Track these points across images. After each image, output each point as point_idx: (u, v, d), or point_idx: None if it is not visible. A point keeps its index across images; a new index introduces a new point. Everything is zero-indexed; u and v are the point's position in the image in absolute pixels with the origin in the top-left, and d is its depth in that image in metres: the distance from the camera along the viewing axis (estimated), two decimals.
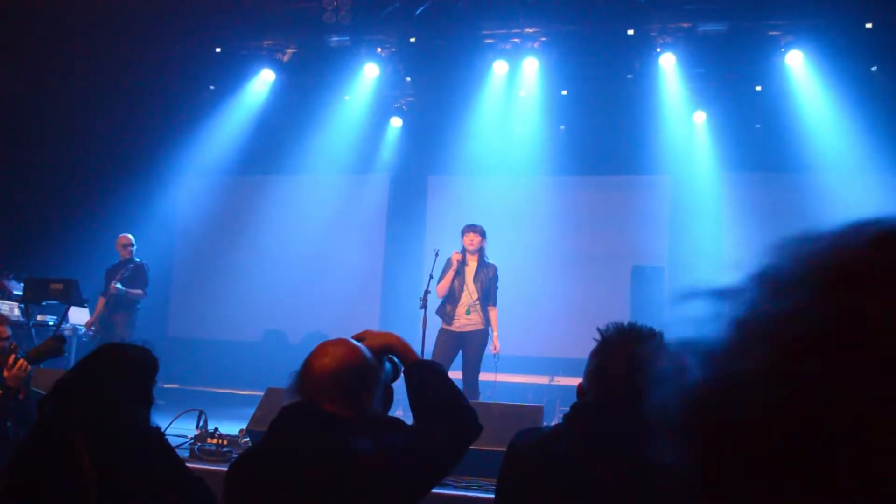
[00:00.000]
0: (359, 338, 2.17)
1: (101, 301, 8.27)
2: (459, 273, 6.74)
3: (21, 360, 3.70)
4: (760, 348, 0.48)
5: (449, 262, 6.72)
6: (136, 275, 8.26)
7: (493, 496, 3.84)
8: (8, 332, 3.81)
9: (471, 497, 3.93)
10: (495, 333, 6.70)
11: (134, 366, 2.46)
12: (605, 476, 1.70)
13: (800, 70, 8.99)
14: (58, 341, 3.92)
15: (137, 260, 8.43)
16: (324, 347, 2.05)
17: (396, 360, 2.23)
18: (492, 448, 4.01)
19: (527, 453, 1.87)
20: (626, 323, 1.92)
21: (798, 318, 0.47)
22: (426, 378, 2.16)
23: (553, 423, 3.08)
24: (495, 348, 6.70)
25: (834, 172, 9.46)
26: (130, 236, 8.52)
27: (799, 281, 0.49)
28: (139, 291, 8.20)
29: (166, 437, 2.46)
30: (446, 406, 2.10)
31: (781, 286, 0.50)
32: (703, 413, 0.50)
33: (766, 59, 9.03)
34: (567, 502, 1.72)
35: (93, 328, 8.16)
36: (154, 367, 2.51)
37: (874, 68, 9.11)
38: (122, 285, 8.04)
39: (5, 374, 3.68)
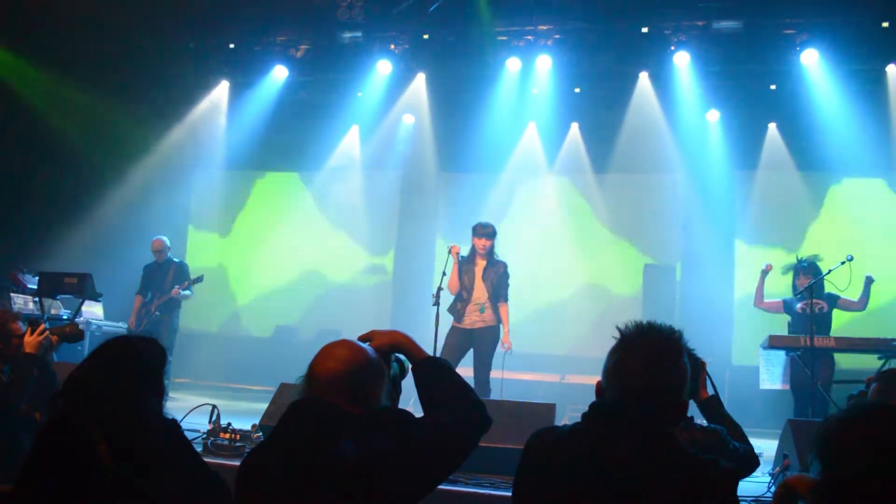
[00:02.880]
0: (365, 338, 2.18)
1: (139, 300, 8.46)
2: (468, 269, 6.74)
3: (42, 325, 3.81)
4: None
5: (449, 255, 6.73)
6: (182, 274, 8.57)
7: (503, 493, 3.85)
8: (22, 329, 3.84)
9: (483, 494, 3.93)
10: (506, 329, 6.68)
11: (142, 357, 2.49)
12: (624, 474, 1.70)
13: (815, 69, 8.91)
14: (77, 327, 4.12)
15: (176, 260, 8.69)
16: (328, 350, 2.05)
17: (403, 358, 2.25)
18: (503, 445, 4.02)
19: (546, 451, 1.86)
20: (645, 322, 1.91)
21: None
22: (434, 374, 2.18)
23: (563, 422, 3.08)
24: (505, 345, 6.69)
25: (847, 171, 9.41)
26: (164, 238, 8.70)
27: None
28: (189, 293, 8.55)
29: (182, 429, 2.47)
30: (455, 399, 2.12)
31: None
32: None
33: (782, 58, 8.94)
34: (587, 501, 1.72)
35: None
36: (162, 357, 2.54)
37: (890, 67, 9.04)
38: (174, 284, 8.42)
39: (26, 339, 3.75)
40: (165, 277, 8.48)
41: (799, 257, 7.11)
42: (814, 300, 6.67)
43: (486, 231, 6.72)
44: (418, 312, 9.71)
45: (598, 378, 1.94)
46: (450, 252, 6.74)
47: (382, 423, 1.96)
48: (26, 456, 2.33)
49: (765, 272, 7.19)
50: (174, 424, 2.45)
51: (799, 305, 6.87)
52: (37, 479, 2.26)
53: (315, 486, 1.81)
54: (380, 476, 1.84)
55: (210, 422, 4.87)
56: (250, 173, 11.90)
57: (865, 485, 1.61)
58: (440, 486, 2.07)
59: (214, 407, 4.95)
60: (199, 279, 8.54)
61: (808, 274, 6.83)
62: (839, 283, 6.73)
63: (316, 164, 11.41)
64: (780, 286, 7.36)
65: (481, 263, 6.75)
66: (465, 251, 6.88)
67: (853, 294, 6.86)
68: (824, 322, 6.74)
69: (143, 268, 8.69)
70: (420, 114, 10.95)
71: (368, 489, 1.82)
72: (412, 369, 2.21)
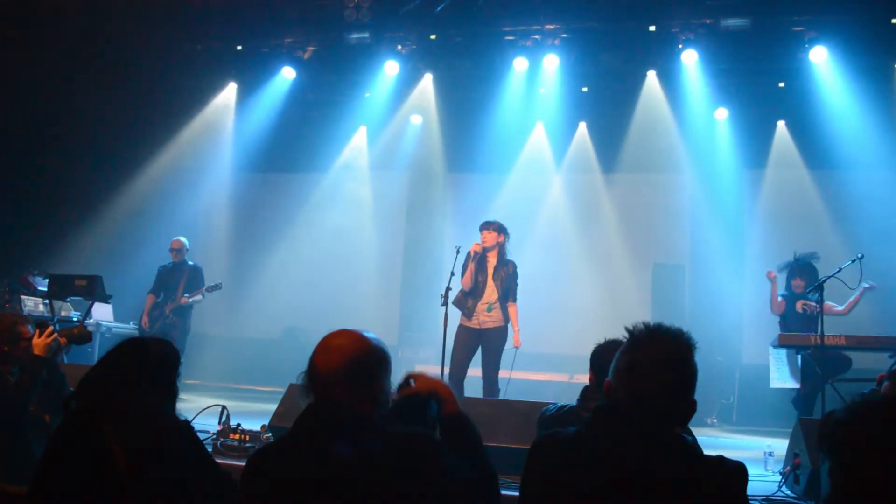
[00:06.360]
0: (411, 377, 2.19)
1: (151, 299, 8.47)
2: (482, 267, 6.71)
3: (50, 328, 3.82)
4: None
5: (462, 254, 6.70)
6: (195, 279, 8.59)
7: (513, 493, 3.84)
8: (30, 331, 3.85)
9: None
10: (516, 329, 6.68)
11: (156, 359, 2.50)
12: (636, 475, 1.70)
13: (824, 66, 8.87)
14: (85, 328, 4.20)
15: (191, 263, 8.69)
16: (328, 341, 2.05)
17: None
18: (513, 445, 4.02)
19: (552, 452, 1.86)
20: (653, 323, 1.91)
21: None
22: (460, 431, 2.16)
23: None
24: (517, 343, 6.68)
25: (857, 169, 9.36)
26: (184, 239, 8.71)
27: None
28: (199, 297, 8.54)
29: (195, 430, 2.48)
30: (475, 461, 2.08)
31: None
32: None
33: (790, 56, 8.91)
34: (598, 501, 1.72)
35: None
36: (175, 359, 2.54)
37: None
38: (185, 291, 8.48)
39: (34, 340, 3.76)
40: (178, 282, 8.49)
41: (797, 255, 7.04)
42: (807, 301, 6.64)
43: (490, 225, 6.72)
44: (427, 312, 9.70)
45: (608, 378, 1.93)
46: (470, 251, 6.71)
47: (388, 426, 1.94)
48: (41, 458, 2.34)
49: (772, 280, 7.12)
50: (187, 426, 2.46)
51: (798, 304, 6.83)
52: (52, 481, 2.27)
53: (320, 487, 1.81)
54: (381, 481, 1.83)
55: (220, 423, 4.88)
56: (259, 174, 11.92)
57: (885, 483, 1.58)
58: None
59: (224, 408, 4.96)
60: (217, 287, 8.50)
61: (804, 276, 6.78)
62: (849, 282, 6.69)
63: (324, 165, 11.42)
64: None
65: (492, 262, 6.74)
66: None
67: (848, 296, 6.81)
68: (816, 324, 6.64)
69: (157, 268, 8.72)
70: (427, 114, 10.96)
71: (372, 491, 1.82)
72: (441, 419, 2.19)
